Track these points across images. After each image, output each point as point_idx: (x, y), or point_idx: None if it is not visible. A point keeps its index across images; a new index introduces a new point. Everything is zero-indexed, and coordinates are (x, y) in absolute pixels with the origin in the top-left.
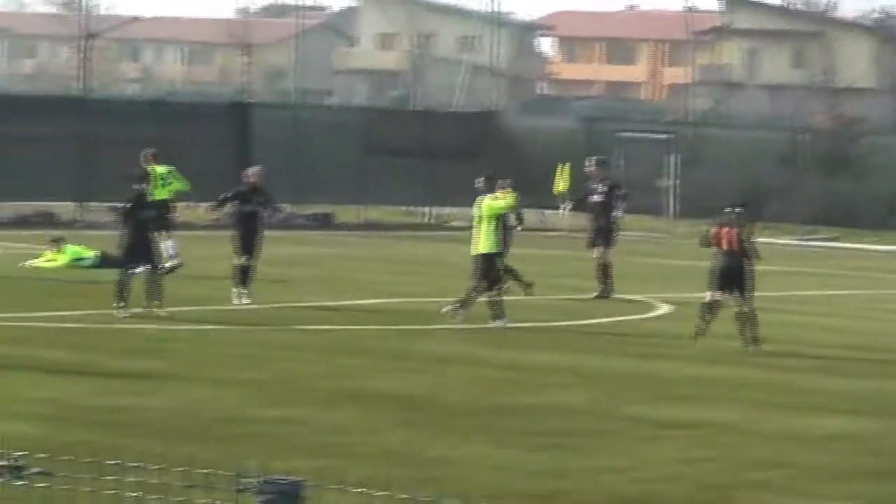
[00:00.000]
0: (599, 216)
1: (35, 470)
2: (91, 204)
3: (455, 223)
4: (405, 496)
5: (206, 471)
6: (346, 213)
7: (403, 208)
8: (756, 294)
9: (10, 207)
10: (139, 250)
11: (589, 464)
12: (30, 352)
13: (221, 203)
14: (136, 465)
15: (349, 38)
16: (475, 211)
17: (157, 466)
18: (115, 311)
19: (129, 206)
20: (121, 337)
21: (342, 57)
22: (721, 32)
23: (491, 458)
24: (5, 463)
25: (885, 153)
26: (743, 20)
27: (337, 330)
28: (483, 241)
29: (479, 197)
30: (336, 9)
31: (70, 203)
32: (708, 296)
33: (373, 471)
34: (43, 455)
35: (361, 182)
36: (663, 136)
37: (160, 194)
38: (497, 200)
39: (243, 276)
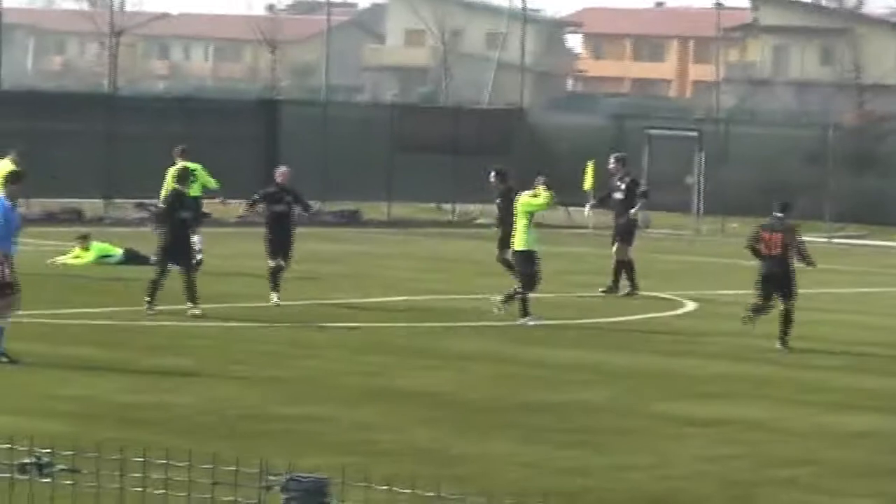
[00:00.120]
0: (621, 213)
1: (60, 467)
2: (118, 201)
3: (482, 220)
4: (430, 493)
5: (231, 468)
6: (374, 209)
7: (431, 205)
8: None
9: (37, 204)
10: (176, 251)
11: (614, 461)
12: (57, 349)
13: (252, 204)
14: (162, 462)
15: (377, 35)
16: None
17: (183, 464)
18: (144, 309)
19: (166, 206)
20: (148, 334)
21: (370, 54)
22: (749, 29)
23: (516, 456)
24: (32, 460)
25: None
26: (771, 17)
27: (363, 327)
28: (518, 239)
29: (517, 193)
30: (364, 5)
31: (98, 200)
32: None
33: (398, 468)
34: (69, 452)
35: (389, 179)
36: (691, 134)
37: (192, 192)
38: (535, 198)
39: (277, 278)
